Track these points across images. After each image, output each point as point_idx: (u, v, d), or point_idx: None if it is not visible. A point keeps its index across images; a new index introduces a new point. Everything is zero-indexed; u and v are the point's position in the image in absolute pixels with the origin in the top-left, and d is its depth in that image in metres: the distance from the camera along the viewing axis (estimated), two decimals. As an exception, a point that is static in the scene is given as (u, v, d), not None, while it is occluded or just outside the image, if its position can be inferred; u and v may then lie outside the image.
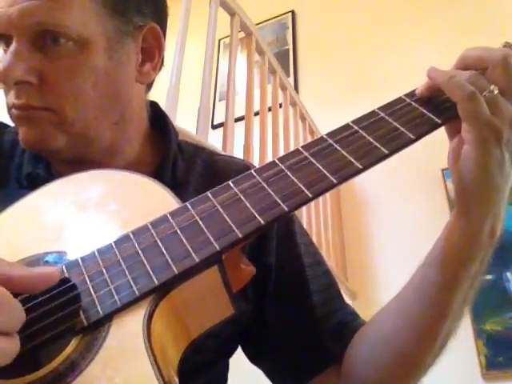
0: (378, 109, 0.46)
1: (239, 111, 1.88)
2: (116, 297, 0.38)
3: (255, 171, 0.44)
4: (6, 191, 0.58)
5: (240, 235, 0.40)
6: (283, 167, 0.43)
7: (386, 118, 0.45)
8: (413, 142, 0.43)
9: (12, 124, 0.59)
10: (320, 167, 0.42)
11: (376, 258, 2.46)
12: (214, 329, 0.44)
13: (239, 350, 0.64)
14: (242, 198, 0.42)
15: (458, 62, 0.47)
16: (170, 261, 0.39)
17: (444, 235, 0.49)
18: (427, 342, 0.51)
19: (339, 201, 2.70)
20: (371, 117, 0.46)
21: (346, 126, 0.45)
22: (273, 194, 0.42)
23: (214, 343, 0.55)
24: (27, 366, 0.36)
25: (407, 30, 2.92)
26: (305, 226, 2.08)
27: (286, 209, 0.41)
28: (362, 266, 2.48)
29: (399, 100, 0.47)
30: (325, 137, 0.45)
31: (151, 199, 0.47)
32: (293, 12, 3.50)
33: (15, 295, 0.35)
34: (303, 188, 0.41)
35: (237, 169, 0.63)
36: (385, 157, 0.42)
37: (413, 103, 0.46)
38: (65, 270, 0.41)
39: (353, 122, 0.46)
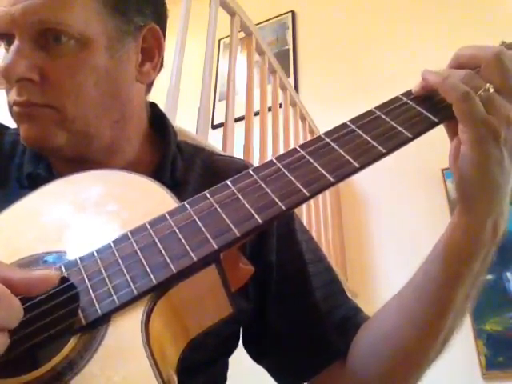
0: (375, 108, 0.46)
1: (239, 111, 1.88)
2: (114, 296, 0.38)
3: (253, 170, 0.44)
4: (7, 191, 0.59)
5: (238, 234, 0.40)
6: (281, 166, 0.44)
7: (383, 117, 0.45)
8: (410, 140, 0.43)
9: (12, 125, 0.59)
10: (317, 166, 0.42)
11: (376, 258, 2.46)
12: (213, 328, 0.44)
13: (238, 349, 0.64)
14: (240, 196, 0.42)
15: (452, 61, 0.47)
16: (168, 260, 0.40)
17: (447, 233, 0.49)
18: (428, 339, 0.52)
19: (339, 200, 2.70)
20: (368, 116, 0.46)
21: (344, 125, 0.46)
22: (270, 192, 0.42)
23: (214, 342, 0.56)
24: (25, 366, 0.36)
25: (407, 29, 2.92)
26: (305, 225, 2.08)
27: (283, 208, 0.41)
28: (362, 265, 2.48)
29: (396, 99, 0.47)
30: (322, 136, 0.45)
31: (151, 199, 0.47)
32: (293, 12, 3.50)
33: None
34: (301, 187, 0.41)
35: (236, 168, 0.63)
36: (382, 156, 0.43)
37: (410, 102, 0.46)
38: (64, 270, 0.41)
39: (350, 121, 0.46)
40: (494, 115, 0.43)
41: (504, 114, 0.43)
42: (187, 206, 0.43)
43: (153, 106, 0.67)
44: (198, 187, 0.60)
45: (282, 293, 0.61)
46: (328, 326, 0.60)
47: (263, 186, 0.42)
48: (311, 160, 0.43)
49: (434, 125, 0.44)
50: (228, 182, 0.44)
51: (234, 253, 0.44)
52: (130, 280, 0.39)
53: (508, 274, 2.15)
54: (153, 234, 0.42)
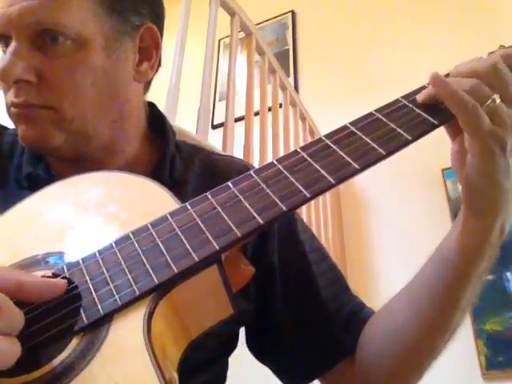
0: (375, 110, 0.47)
1: (239, 111, 1.88)
2: (116, 296, 0.39)
3: (254, 172, 0.45)
4: (6, 192, 0.59)
5: (239, 235, 0.40)
6: (281, 168, 0.44)
7: (383, 119, 0.45)
8: (410, 142, 0.43)
9: (10, 126, 0.59)
10: (318, 168, 0.43)
11: (376, 258, 2.46)
12: (214, 328, 0.44)
13: (238, 349, 0.64)
14: (241, 198, 0.43)
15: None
16: (169, 260, 0.40)
17: (454, 234, 0.49)
18: (439, 334, 0.53)
19: (339, 201, 2.70)
20: (368, 118, 0.46)
21: (344, 128, 0.46)
22: (271, 194, 0.42)
23: (215, 342, 0.56)
24: (27, 365, 0.37)
25: (407, 30, 2.92)
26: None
27: (284, 209, 0.41)
28: (362, 265, 2.48)
29: (396, 101, 0.47)
30: (323, 138, 0.46)
31: (151, 200, 0.47)
32: (293, 12, 3.50)
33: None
34: (301, 188, 0.42)
35: (237, 169, 0.63)
36: (382, 158, 0.43)
37: (410, 105, 0.46)
38: (66, 270, 0.41)
39: (350, 123, 0.46)
40: (500, 126, 0.43)
41: (509, 124, 0.43)
42: (189, 206, 0.43)
43: (151, 106, 0.68)
44: (197, 187, 0.60)
45: (287, 294, 0.62)
46: (335, 324, 0.61)
47: (264, 187, 0.43)
48: (312, 162, 0.43)
49: (434, 127, 0.44)
50: (229, 184, 0.44)
51: (235, 254, 0.44)
52: (131, 280, 0.39)
53: (508, 274, 2.15)
54: (154, 234, 0.42)
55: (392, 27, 2.99)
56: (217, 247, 0.40)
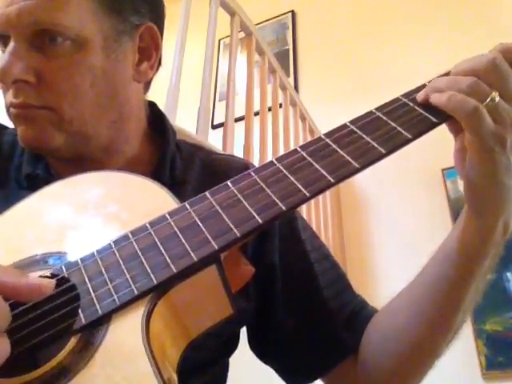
0: (375, 109, 0.46)
1: (239, 111, 1.88)
2: (115, 296, 0.38)
3: (253, 171, 0.44)
4: (6, 192, 0.59)
5: (238, 234, 0.40)
6: (281, 167, 0.44)
7: (383, 117, 0.45)
8: (410, 141, 0.43)
9: (10, 125, 0.59)
10: (318, 167, 0.42)
11: (376, 258, 2.46)
12: (213, 328, 0.44)
13: (238, 349, 0.64)
14: (241, 197, 0.42)
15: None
16: (168, 260, 0.40)
17: (457, 232, 0.49)
18: (442, 333, 0.52)
19: (339, 200, 2.70)
20: (368, 117, 0.46)
21: (344, 126, 0.46)
22: (271, 193, 0.42)
23: (215, 342, 0.56)
24: (26, 366, 0.36)
25: (407, 29, 2.92)
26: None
27: (283, 208, 0.41)
28: (362, 265, 2.47)
29: (396, 100, 0.47)
30: (322, 137, 0.45)
31: (151, 200, 0.47)
32: (293, 12, 3.50)
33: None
34: (301, 187, 0.41)
35: (236, 168, 0.63)
36: (382, 156, 0.43)
37: (410, 103, 0.46)
38: (64, 270, 0.41)
39: (350, 122, 0.46)
40: (501, 124, 0.42)
41: (509, 121, 0.43)
42: (188, 206, 0.43)
43: (152, 105, 0.67)
44: (198, 186, 0.60)
45: (289, 293, 0.61)
46: (338, 323, 0.61)
47: (263, 186, 0.43)
48: (311, 161, 0.43)
49: (434, 125, 0.44)
50: (228, 183, 0.44)
51: (234, 253, 0.44)
52: (130, 280, 0.39)
53: (508, 274, 2.15)
54: (153, 234, 0.42)
55: (392, 27, 2.99)
56: (216, 247, 0.40)
